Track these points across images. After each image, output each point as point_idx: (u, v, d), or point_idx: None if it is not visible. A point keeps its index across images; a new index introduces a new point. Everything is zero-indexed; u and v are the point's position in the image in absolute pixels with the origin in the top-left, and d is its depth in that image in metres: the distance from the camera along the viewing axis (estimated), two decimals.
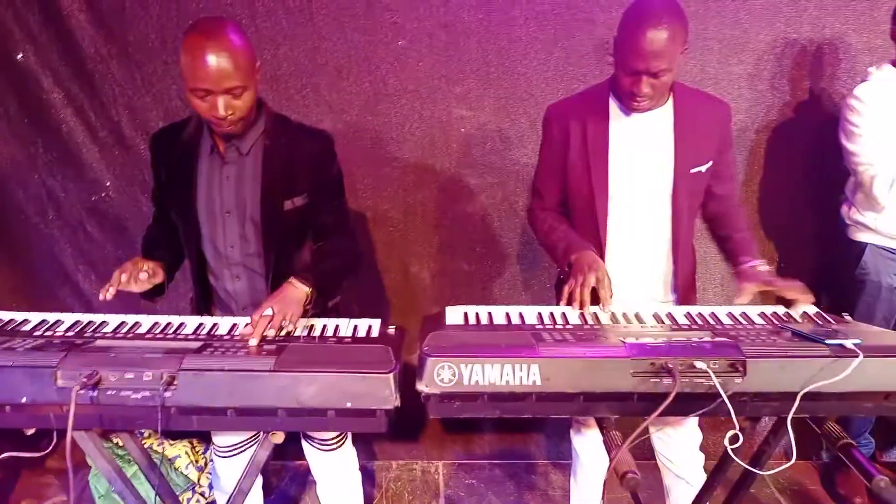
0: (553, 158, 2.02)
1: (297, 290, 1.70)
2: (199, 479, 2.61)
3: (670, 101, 1.91)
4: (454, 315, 1.74)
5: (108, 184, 2.69)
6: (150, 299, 1.89)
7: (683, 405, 1.44)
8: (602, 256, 1.97)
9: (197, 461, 2.65)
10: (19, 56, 2.54)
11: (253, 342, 1.53)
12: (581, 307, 1.75)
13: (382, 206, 2.80)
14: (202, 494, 2.62)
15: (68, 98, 2.60)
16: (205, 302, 1.99)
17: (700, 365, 1.42)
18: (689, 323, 1.72)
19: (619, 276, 2.00)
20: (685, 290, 2.07)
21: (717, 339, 1.55)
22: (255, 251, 1.89)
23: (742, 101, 2.68)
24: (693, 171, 1.93)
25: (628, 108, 1.87)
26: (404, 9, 2.57)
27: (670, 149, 1.91)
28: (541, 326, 1.66)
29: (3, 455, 1.62)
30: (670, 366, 1.41)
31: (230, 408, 1.39)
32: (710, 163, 1.95)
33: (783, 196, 2.80)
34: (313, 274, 1.76)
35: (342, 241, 1.95)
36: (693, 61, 2.62)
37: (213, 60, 1.58)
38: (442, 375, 1.41)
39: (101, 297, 1.67)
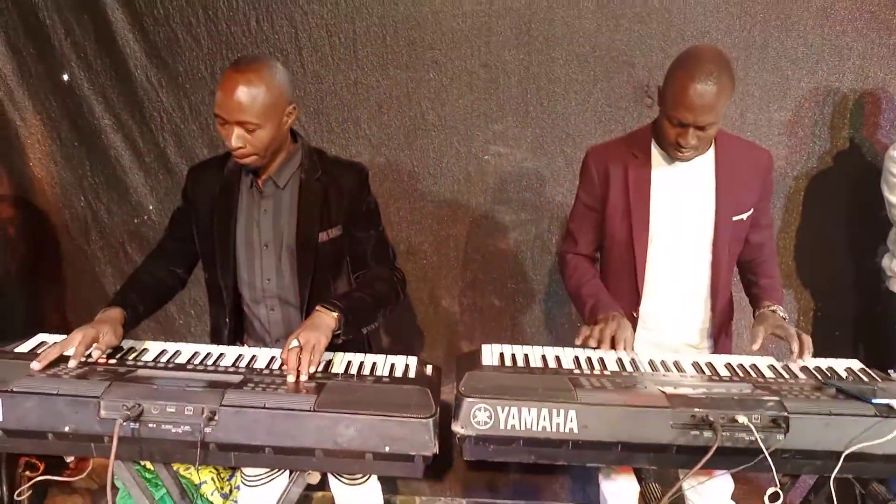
0: (591, 201, 2.02)
1: (324, 317, 1.69)
2: None
3: (712, 149, 1.91)
4: (490, 354, 1.74)
5: (150, 207, 2.75)
6: None
7: (723, 459, 1.42)
8: (637, 302, 1.97)
9: (222, 488, 2.66)
10: (65, 77, 2.62)
11: (290, 378, 1.54)
12: (598, 345, 1.74)
13: (416, 240, 2.82)
14: None
15: (118, 124, 2.68)
16: (238, 333, 2.00)
17: (742, 419, 1.40)
18: (729, 374, 1.70)
19: (655, 322, 2.00)
20: (721, 338, 2.05)
21: (759, 392, 1.53)
22: (290, 283, 1.91)
23: (781, 149, 2.67)
24: (735, 219, 1.92)
25: (672, 156, 1.86)
26: (446, 47, 2.61)
27: (712, 196, 1.90)
28: (578, 371, 1.65)
29: (37, 478, 1.65)
30: (712, 419, 1.40)
31: (269, 446, 1.41)
32: (752, 210, 1.94)
33: (821, 245, 2.76)
34: (343, 301, 1.76)
35: (380, 271, 1.96)
36: (733, 107, 2.61)
37: (232, 92, 1.64)
38: (479, 417, 1.41)
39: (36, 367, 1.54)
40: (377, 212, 2.00)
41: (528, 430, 1.40)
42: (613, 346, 1.76)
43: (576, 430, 1.40)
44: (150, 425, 1.40)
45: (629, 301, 1.98)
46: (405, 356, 1.77)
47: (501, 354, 1.75)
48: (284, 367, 1.58)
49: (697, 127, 1.72)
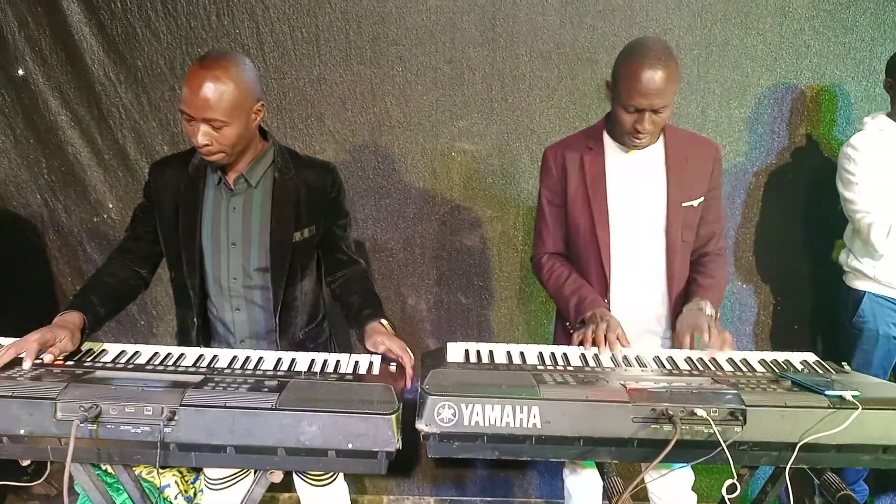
0: (554, 196, 2.06)
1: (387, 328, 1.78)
2: None
3: (661, 139, 1.98)
4: (455, 352, 1.75)
5: (110, 205, 2.69)
6: None
7: (683, 452, 1.44)
8: (607, 288, 2.01)
9: (186, 491, 2.62)
10: (20, 72, 2.54)
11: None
12: (599, 347, 1.78)
13: (382, 237, 2.81)
14: None
15: (75, 119, 2.61)
16: (207, 334, 1.97)
17: (700, 412, 1.43)
18: (689, 368, 1.72)
19: (622, 308, 2.03)
20: None
21: (718, 385, 1.56)
22: (257, 283, 1.89)
23: (741, 145, 2.72)
24: (685, 204, 1.98)
25: (628, 144, 1.92)
26: (410, 43, 2.60)
27: (663, 182, 1.97)
28: (542, 367, 1.66)
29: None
30: (671, 412, 1.42)
31: (230, 445, 1.39)
32: (702, 198, 2.01)
33: (780, 240, 2.83)
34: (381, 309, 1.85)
35: (362, 269, 2.00)
36: (694, 104, 2.66)
37: (198, 89, 1.61)
38: (442, 415, 1.41)
39: None
40: (347, 212, 2.02)
41: (492, 427, 1.41)
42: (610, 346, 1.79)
43: (538, 426, 1.41)
44: (109, 426, 1.37)
45: (599, 288, 2.02)
46: (369, 354, 1.76)
47: (466, 351, 1.75)
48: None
49: (653, 111, 1.79)
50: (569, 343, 1.92)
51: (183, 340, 1.98)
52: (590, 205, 1.98)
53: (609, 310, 1.99)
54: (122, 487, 1.87)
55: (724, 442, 1.40)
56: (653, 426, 1.42)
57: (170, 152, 2.61)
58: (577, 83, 2.66)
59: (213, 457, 1.43)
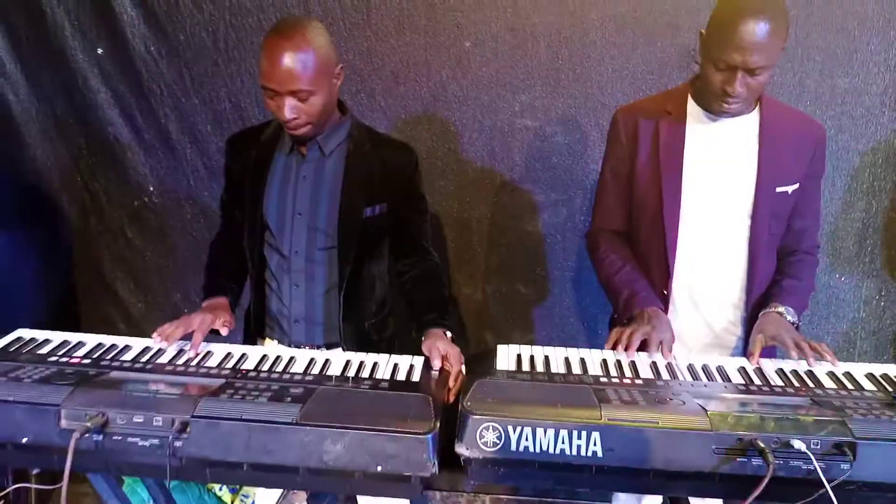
0: (620, 165, 1.81)
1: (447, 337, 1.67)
2: (231, 502, 2.49)
3: (756, 110, 1.70)
4: (505, 357, 1.55)
5: (151, 188, 2.59)
6: None
7: (776, 491, 1.20)
8: (668, 280, 1.76)
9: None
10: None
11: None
12: (626, 350, 1.55)
13: (436, 222, 2.61)
14: None
15: (115, 98, 2.51)
16: (258, 311, 1.88)
17: (798, 445, 1.18)
18: (782, 384, 1.46)
19: (686, 307, 1.78)
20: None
21: (818, 408, 1.30)
22: (321, 260, 1.79)
23: (845, 120, 2.37)
24: (778, 190, 1.70)
25: (716, 109, 1.64)
26: (468, 9, 2.37)
27: (754, 161, 1.69)
28: (606, 380, 1.44)
29: (13, 486, 1.53)
30: (762, 444, 1.18)
31: (246, 463, 1.24)
32: (798, 185, 1.72)
33: (893, 228, 2.47)
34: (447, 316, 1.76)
35: (433, 265, 1.89)
36: (791, 74, 2.33)
37: (280, 61, 1.53)
38: (486, 438, 1.22)
39: (156, 340, 1.58)
40: (423, 196, 1.90)
41: (544, 454, 1.21)
42: (645, 348, 1.55)
43: (600, 455, 1.20)
44: (115, 437, 1.25)
45: (659, 282, 1.77)
46: (411, 356, 1.59)
47: (518, 357, 1.55)
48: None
49: (747, 70, 1.51)
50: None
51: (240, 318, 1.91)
52: (660, 180, 1.72)
53: (665, 311, 1.73)
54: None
55: (829, 481, 1.16)
56: (739, 459, 1.19)
57: (213, 132, 2.49)
58: (656, 51, 2.36)
59: (228, 474, 1.29)
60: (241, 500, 2.48)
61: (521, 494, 2.85)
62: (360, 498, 1.96)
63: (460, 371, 1.55)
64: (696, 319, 1.78)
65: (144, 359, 1.52)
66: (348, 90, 2.46)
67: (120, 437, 1.24)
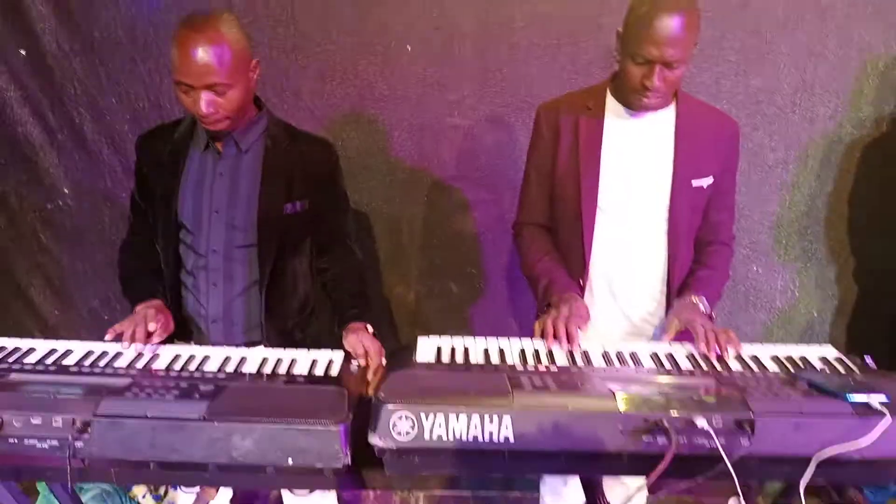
0: (542, 161, 1.84)
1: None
2: None
3: (673, 106, 1.75)
4: (426, 350, 1.54)
5: (66, 190, 2.50)
6: None
7: (681, 467, 1.23)
8: (585, 272, 1.80)
9: (156, 489, 2.44)
10: None
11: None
12: (556, 339, 1.56)
13: (366, 223, 2.60)
14: None
15: (25, 96, 2.41)
16: (175, 313, 1.81)
17: (701, 423, 1.22)
18: (691, 367, 1.51)
19: (604, 298, 1.83)
20: None
21: (722, 389, 1.34)
22: (239, 258, 1.75)
23: (759, 119, 2.46)
24: (695, 183, 1.75)
25: (635, 104, 1.68)
26: (394, 8, 2.38)
27: (670, 155, 1.74)
28: (521, 368, 1.45)
29: None
30: (666, 423, 1.21)
31: (153, 461, 1.20)
32: (713, 179, 1.77)
33: (804, 221, 2.58)
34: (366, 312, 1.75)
35: (355, 262, 1.89)
36: (707, 73, 2.40)
37: (194, 55, 1.50)
38: (399, 427, 1.21)
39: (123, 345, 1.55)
40: (344, 193, 1.90)
41: (458, 441, 1.21)
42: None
43: (511, 439, 1.21)
44: (11, 440, 1.20)
45: (576, 268, 1.81)
46: (331, 350, 1.58)
47: (439, 349, 1.55)
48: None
49: (664, 64, 1.55)
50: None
51: None
52: (579, 174, 1.75)
53: (581, 297, 1.76)
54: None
55: (729, 457, 1.20)
56: (645, 439, 1.22)
57: (131, 131, 2.42)
58: (580, 51, 2.40)
59: (135, 473, 1.26)
60: None
61: (453, 488, 2.85)
62: (286, 496, 1.93)
63: (381, 364, 1.54)
64: (614, 310, 1.83)
65: (50, 360, 1.47)
66: (273, 89, 2.44)
67: (15, 440, 1.19)
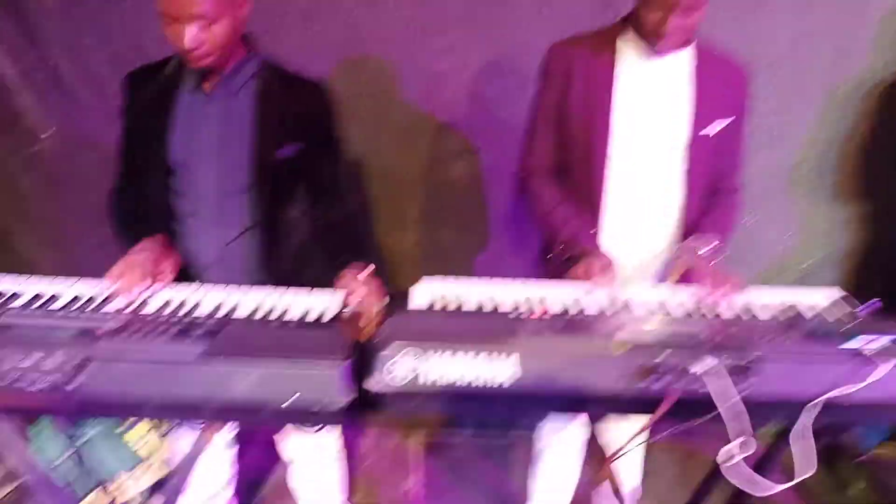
0: (551, 102, 1.80)
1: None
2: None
3: (689, 50, 1.71)
4: (422, 295, 1.53)
5: (43, 135, 2.41)
6: None
7: (680, 411, 1.25)
8: (597, 219, 1.78)
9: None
10: None
11: None
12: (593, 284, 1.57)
13: (358, 171, 2.54)
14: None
15: None
16: None
17: (698, 367, 1.22)
18: (692, 311, 1.51)
19: (614, 242, 1.80)
20: None
21: (722, 333, 1.35)
22: (232, 204, 1.70)
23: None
24: (709, 128, 1.73)
25: (651, 47, 1.65)
26: None
27: (685, 100, 1.71)
28: (523, 312, 1.44)
29: None
30: (665, 367, 1.22)
31: (150, 400, 1.19)
32: (727, 124, 1.75)
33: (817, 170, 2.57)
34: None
35: (348, 208, 1.83)
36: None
37: None
38: (395, 371, 1.20)
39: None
40: (338, 137, 1.81)
41: (457, 383, 1.20)
42: None
43: (516, 379, 1.21)
44: (3, 382, 1.17)
45: (588, 215, 1.79)
46: (329, 294, 1.55)
47: (437, 292, 1.53)
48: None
49: (682, 8, 1.52)
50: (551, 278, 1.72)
51: None
52: (590, 116, 1.72)
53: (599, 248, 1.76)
54: None
55: (724, 402, 1.21)
56: (643, 383, 1.23)
57: (111, 72, 2.32)
58: None
59: (132, 411, 1.25)
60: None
61: (449, 427, 2.87)
62: (287, 436, 1.94)
63: (373, 310, 1.51)
64: (626, 257, 1.80)
65: (37, 305, 1.43)
66: (257, 30, 2.34)
67: (7, 382, 1.16)
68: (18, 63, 2.35)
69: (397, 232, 2.66)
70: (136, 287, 1.48)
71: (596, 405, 1.26)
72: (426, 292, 1.53)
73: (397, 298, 1.57)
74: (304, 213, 1.84)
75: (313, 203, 1.82)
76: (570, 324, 1.37)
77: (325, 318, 1.43)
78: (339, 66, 2.41)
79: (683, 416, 1.25)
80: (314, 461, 2.02)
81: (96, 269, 1.58)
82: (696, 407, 1.23)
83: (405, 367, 1.19)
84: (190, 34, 1.46)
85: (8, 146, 2.46)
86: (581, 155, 1.76)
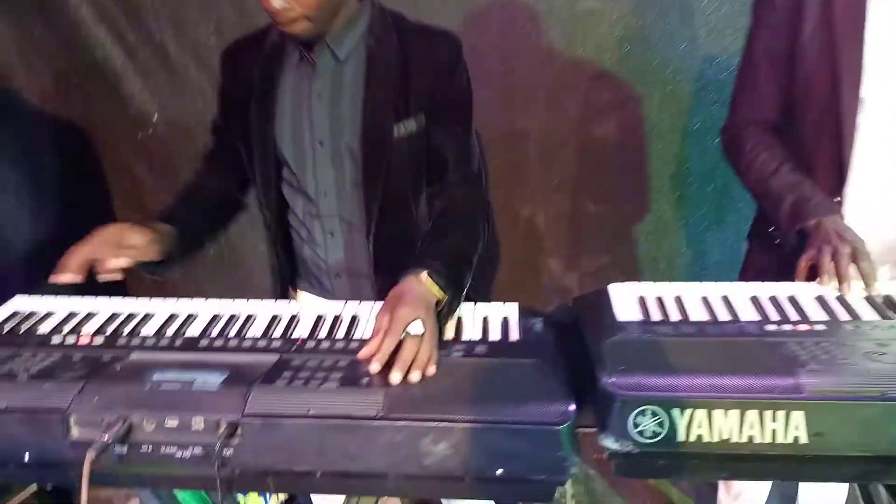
0: (773, 39, 1.43)
1: (422, 286, 1.15)
2: None
3: None
4: (624, 300, 1.19)
5: (154, 118, 2.22)
6: (152, 273, 1.36)
7: None
8: (841, 187, 1.39)
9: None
10: None
11: (375, 368, 1.01)
12: (841, 283, 1.18)
13: (486, 131, 2.21)
14: None
15: (101, 14, 2.10)
16: (289, 271, 1.56)
17: None
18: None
19: (860, 217, 1.39)
20: None
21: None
22: (355, 198, 1.42)
23: None
24: None
25: None
26: None
27: None
28: (773, 327, 1.08)
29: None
30: None
31: (321, 472, 0.93)
32: None
33: None
34: (442, 258, 1.21)
35: (470, 194, 1.43)
36: None
37: None
38: (643, 426, 0.89)
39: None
40: (470, 102, 1.44)
41: (725, 443, 0.88)
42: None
43: (804, 441, 0.87)
44: (144, 448, 0.94)
45: (828, 182, 1.40)
46: (500, 303, 1.26)
47: (642, 300, 1.20)
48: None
49: None
50: (766, 267, 1.42)
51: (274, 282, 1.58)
52: (834, 56, 1.33)
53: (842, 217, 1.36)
54: None
55: None
56: None
57: (218, 44, 2.09)
58: None
59: (298, 483, 1.00)
60: None
61: None
62: None
63: (389, 338, 1.04)
64: (873, 238, 1.40)
65: (171, 330, 1.20)
66: None
67: (149, 448, 0.94)
68: (124, 42, 2.17)
69: (532, 204, 2.35)
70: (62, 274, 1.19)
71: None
72: (627, 298, 1.20)
73: (582, 307, 1.25)
74: (432, 200, 1.48)
75: (429, 184, 1.46)
76: (853, 346, 1.00)
77: (512, 337, 1.13)
78: (460, 17, 2.07)
79: None
80: None
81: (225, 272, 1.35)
82: None
83: (656, 422, 0.88)
84: None
85: (119, 133, 2.30)
86: (821, 105, 1.37)
